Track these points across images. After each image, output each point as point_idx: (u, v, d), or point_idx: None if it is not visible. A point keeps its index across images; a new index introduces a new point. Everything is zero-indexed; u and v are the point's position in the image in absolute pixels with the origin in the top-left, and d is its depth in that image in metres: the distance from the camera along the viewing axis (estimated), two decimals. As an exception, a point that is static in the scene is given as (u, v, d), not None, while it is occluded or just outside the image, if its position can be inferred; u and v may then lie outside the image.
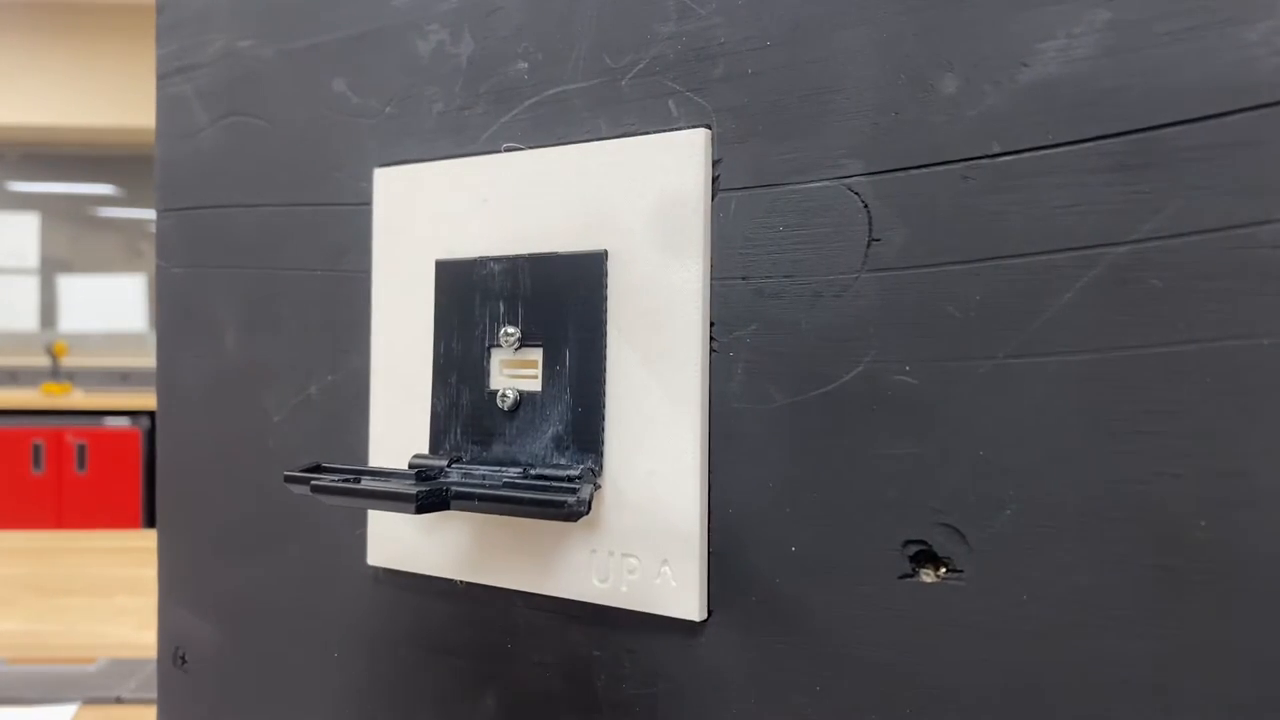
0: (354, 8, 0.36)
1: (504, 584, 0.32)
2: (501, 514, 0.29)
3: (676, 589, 0.29)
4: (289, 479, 0.27)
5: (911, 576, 0.26)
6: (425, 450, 0.33)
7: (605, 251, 0.30)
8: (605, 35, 0.30)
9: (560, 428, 0.30)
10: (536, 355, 0.31)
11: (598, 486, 0.29)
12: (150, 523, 3.00)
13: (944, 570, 0.25)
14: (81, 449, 3.10)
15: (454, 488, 0.27)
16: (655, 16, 0.30)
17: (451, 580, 0.34)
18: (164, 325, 0.42)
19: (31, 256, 3.71)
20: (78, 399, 3.22)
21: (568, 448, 0.30)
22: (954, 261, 0.25)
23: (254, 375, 0.39)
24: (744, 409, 0.28)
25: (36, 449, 3.08)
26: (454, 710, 0.34)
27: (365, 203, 0.36)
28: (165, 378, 0.42)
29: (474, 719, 0.33)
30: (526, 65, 0.32)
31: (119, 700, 0.72)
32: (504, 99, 0.33)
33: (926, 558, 0.25)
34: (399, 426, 0.34)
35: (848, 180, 0.26)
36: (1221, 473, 0.22)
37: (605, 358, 0.30)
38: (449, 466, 0.31)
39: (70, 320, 3.74)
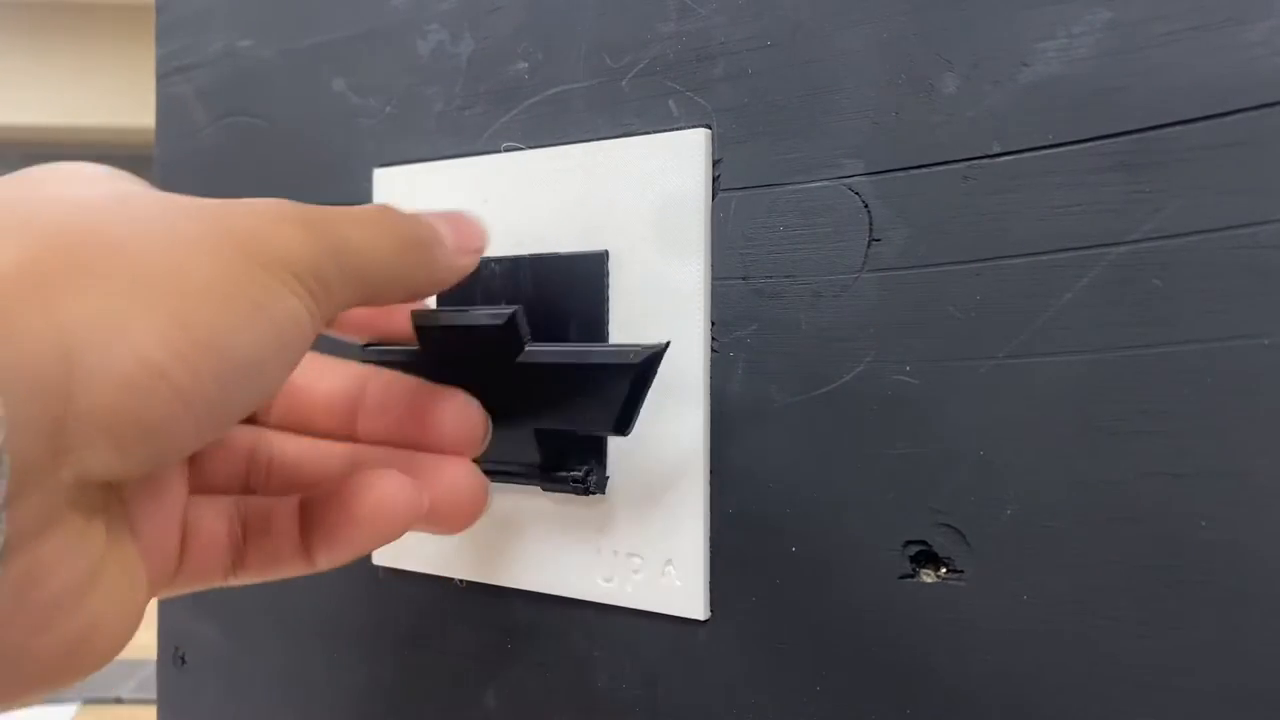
0: (354, 8, 0.36)
1: (508, 583, 0.32)
2: (525, 485, 0.30)
3: (681, 588, 0.29)
4: None
5: (912, 577, 0.26)
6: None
7: (606, 252, 0.30)
8: (605, 35, 0.30)
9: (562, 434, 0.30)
10: (537, 355, 0.31)
11: (608, 478, 0.29)
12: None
13: (944, 570, 0.25)
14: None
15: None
16: (655, 16, 0.30)
17: (452, 580, 0.34)
18: (164, 325, 0.42)
19: (31, 256, 3.70)
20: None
21: (572, 449, 0.30)
22: (954, 261, 0.25)
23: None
24: (745, 409, 0.28)
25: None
26: (454, 710, 0.34)
27: (365, 203, 0.36)
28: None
29: (474, 719, 0.33)
30: (526, 65, 0.32)
31: (119, 700, 0.72)
32: (504, 99, 0.33)
33: (927, 558, 0.25)
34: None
35: (848, 180, 0.26)
36: (1221, 473, 0.22)
37: (606, 358, 0.30)
38: None
39: (70, 320, 3.73)
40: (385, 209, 0.24)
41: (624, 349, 0.26)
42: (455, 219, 0.27)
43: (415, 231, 0.24)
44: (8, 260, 0.16)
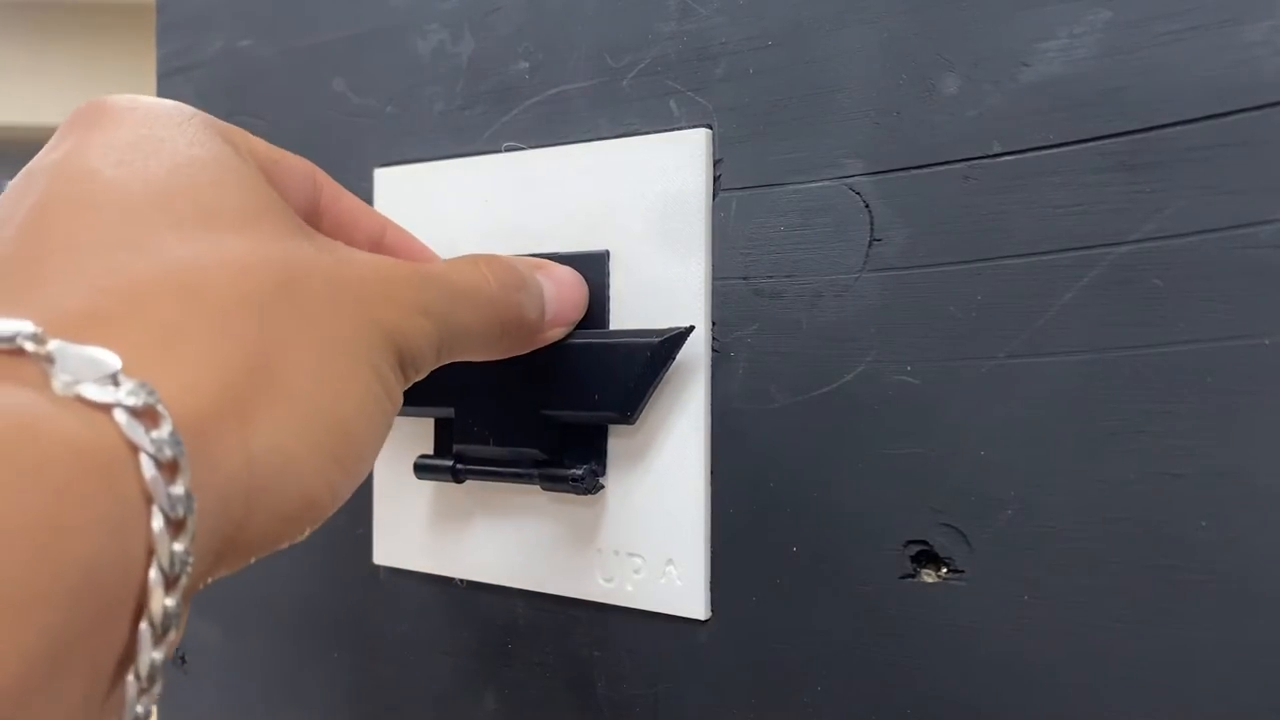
0: (354, 8, 0.36)
1: (508, 583, 0.32)
2: (524, 484, 0.30)
3: (682, 588, 0.29)
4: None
5: (912, 577, 0.26)
6: (429, 451, 0.33)
7: (607, 252, 0.30)
8: (606, 35, 0.30)
9: (563, 428, 0.30)
10: (537, 355, 0.31)
11: (601, 486, 0.30)
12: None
13: (945, 570, 0.25)
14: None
15: (475, 466, 0.31)
16: (656, 16, 0.30)
17: (452, 580, 0.34)
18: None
19: (31, 256, 3.70)
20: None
21: (572, 448, 0.30)
22: (955, 261, 0.25)
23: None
24: (745, 409, 0.28)
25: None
26: (454, 710, 0.34)
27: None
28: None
29: (474, 719, 0.33)
30: (527, 65, 0.32)
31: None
32: (504, 98, 0.33)
33: (927, 558, 0.25)
34: (402, 428, 0.34)
35: (849, 180, 0.26)
36: (1221, 473, 0.22)
37: (606, 357, 0.30)
38: (456, 465, 0.31)
39: (70, 320, 3.72)
40: (505, 278, 0.25)
41: (647, 330, 0.28)
42: (566, 285, 0.27)
43: (520, 312, 0.25)
44: (212, 383, 0.17)
